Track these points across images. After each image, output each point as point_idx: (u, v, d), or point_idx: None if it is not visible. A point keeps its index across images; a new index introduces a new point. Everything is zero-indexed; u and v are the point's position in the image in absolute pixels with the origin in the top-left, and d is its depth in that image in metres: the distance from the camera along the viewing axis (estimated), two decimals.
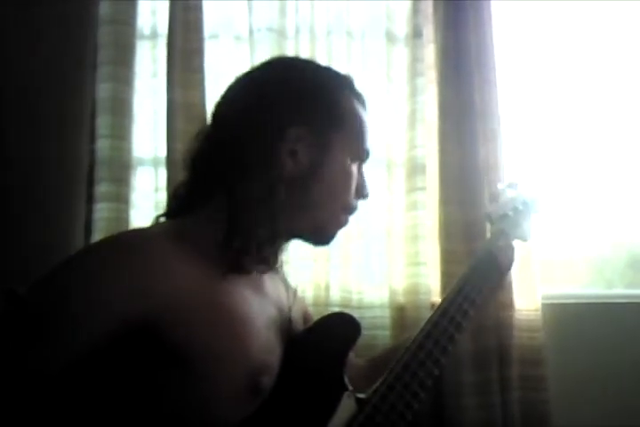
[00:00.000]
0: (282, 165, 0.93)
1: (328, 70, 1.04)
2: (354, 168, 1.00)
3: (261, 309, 0.93)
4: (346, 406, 0.90)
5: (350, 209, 1.01)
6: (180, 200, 1.00)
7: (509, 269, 1.15)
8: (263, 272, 0.96)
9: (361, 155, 1.01)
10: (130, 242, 0.87)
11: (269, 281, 1.00)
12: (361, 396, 0.91)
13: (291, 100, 0.95)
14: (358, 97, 1.03)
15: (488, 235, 1.25)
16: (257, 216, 0.90)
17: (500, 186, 1.29)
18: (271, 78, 0.99)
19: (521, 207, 1.22)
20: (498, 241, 1.15)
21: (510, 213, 1.20)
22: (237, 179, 0.91)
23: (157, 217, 1.03)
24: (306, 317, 1.09)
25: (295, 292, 1.10)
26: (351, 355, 1.13)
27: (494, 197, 1.26)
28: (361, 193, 1.02)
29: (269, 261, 0.94)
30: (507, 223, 1.18)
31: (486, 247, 1.14)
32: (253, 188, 0.90)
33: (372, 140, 1.04)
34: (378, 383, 0.93)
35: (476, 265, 1.09)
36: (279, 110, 0.94)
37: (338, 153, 0.97)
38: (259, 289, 0.95)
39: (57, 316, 0.78)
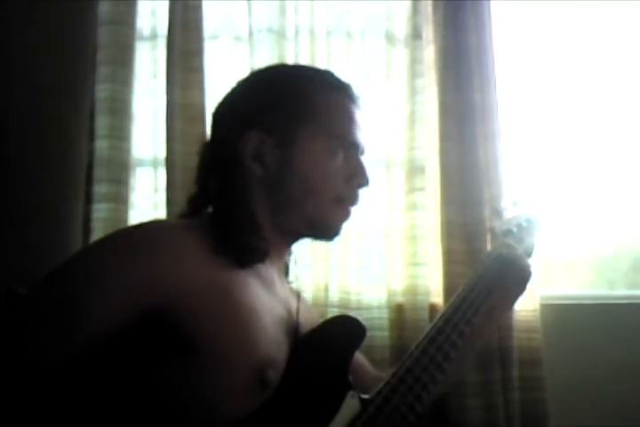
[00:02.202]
0: (249, 170, 0.96)
1: (299, 68, 1.07)
2: (336, 158, 0.99)
3: (270, 305, 0.94)
4: (349, 406, 0.90)
5: (344, 199, 1.01)
6: (192, 201, 1.03)
7: (523, 283, 1.13)
8: (254, 261, 0.94)
9: (343, 143, 1.00)
10: (144, 230, 0.89)
11: (280, 284, 1.02)
12: (365, 396, 0.92)
13: (247, 106, 0.98)
14: (337, 88, 1.02)
15: (490, 248, 1.24)
16: (237, 225, 0.93)
17: (504, 202, 1.29)
18: (239, 87, 1.03)
19: (525, 224, 1.22)
20: (507, 250, 1.13)
21: (514, 229, 1.20)
22: (214, 186, 0.97)
23: (178, 216, 1.06)
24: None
25: (305, 301, 1.11)
26: (368, 365, 1.13)
27: (498, 213, 1.25)
28: (357, 181, 1.01)
29: (256, 250, 0.93)
30: (510, 239, 1.18)
31: (493, 255, 1.12)
32: (229, 189, 0.95)
33: (361, 130, 1.02)
34: (382, 385, 0.93)
35: (482, 274, 1.08)
36: (236, 118, 0.98)
37: (308, 147, 0.97)
38: (269, 288, 0.96)
39: (59, 310, 0.78)
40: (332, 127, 0.99)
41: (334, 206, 0.99)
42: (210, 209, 1.00)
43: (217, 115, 1.04)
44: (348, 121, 1.00)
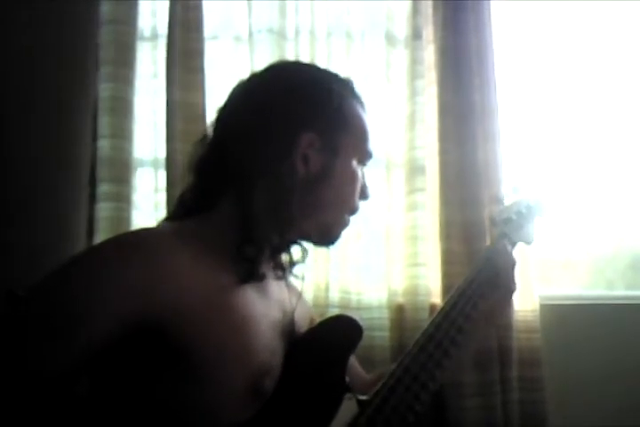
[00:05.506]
0: (295, 172, 0.93)
1: (332, 75, 1.04)
2: (359, 171, 1.01)
3: (265, 310, 0.93)
4: (347, 408, 0.90)
5: (355, 210, 1.03)
6: (186, 204, 1.01)
7: (510, 270, 1.13)
8: (280, 278, 0.98)
9: (365, 157, 1.03)
10: (134, 240, 0.87)
11: (274, 283, 1.01)
12: (362, 398, 0.92)
13: (302, 107, 0.96)
14: (359, 100, 1.04)
15: (491, 238, 1.25)
16: (271, 223, 0.91)
17: (503, 189, 1.29)
18: (280, 84, 0.99)
19: (525, 211, 1.22)
20: (499, 245, 1.15)
21: (514, 216, 1.20)
22: (249, 185, 0.91)
23: (164, 220, 1.04)
24: (312, 322, 1.09)
25: (300, 295, 1.09)
26: (359, 369, 1.13)
27: (498, 201, 1.26)
28: (364, 194, 1.03)
29: (285, 267, 0.96)
30: (510, 227, 1.18)
31: (487, 252, 1.14)
32: (267, 195, 0.91)
33: (374, 142, 1.05)
34: (379, 386, 0.93)
35: (479, 268, 1.09)
36: (292, 117, 0.95)
37: (346, 157, 0.98)
38: (263, 290, 0.96)
39: (58, 315, 0.78)
40: (362, 142, 1.01)
41: (347, 217, 1.02)
42: (212, 212, 0.96)
43: (256, 113, 0.96)
44: (368, 135, 1.03)
